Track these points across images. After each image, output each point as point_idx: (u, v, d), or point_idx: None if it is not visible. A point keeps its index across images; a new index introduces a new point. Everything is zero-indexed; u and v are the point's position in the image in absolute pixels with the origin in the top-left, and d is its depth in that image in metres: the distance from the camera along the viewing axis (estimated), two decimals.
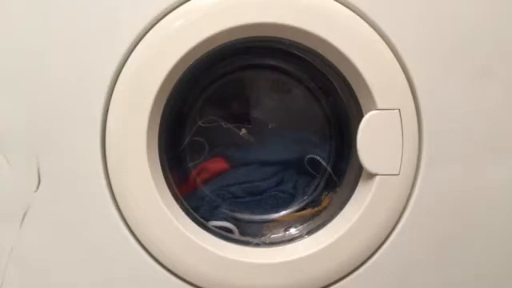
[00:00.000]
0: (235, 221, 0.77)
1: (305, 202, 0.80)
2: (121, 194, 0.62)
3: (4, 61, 0.60)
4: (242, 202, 0.80)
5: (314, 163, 0.80)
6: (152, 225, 0.62)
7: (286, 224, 0.76)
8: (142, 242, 0.62)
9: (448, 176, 0.64)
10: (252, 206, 0.80)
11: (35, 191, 0.62)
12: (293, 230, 0.74)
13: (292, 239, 0.70)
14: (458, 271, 0.66)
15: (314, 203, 0.78)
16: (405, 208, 0.64)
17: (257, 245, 0.69)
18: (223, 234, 0.71)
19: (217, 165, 0.80)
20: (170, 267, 0.63)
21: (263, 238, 0.73)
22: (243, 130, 0.80)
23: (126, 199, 0.62)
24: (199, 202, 0.78)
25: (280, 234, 0.74)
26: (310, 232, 0.69)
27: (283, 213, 0.80)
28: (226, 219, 0.76)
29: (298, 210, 0.79)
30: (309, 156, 0.80)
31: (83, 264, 0.64)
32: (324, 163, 0.79)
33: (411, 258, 0.65)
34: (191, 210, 0.71)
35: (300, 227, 0.74)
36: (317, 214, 0.75)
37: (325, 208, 0.75)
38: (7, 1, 0.59)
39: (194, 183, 0.80)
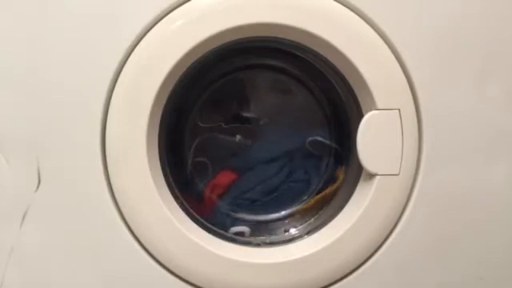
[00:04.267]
0: (258, 224, 0.77)
1: (321, 183, 0.79)
2: (121, 194, 0.62)
3: (4, 61, 0.60)
4: (261, 204, 0.79)
5: (317, 147, 0.79)
6: (152, 225, 0.62)
7: (307, 213, 0.76)
8: (142, 241, 0.62)
9: (448, 176, 0.64)
10: (272, 204, 0.80)
11: (35, 191, 0.62)
12: (293, 230, 0.74)
13: (292, 239, 0.70)
14: (458, 271, 0.66)
15: (330, 181, 0.77)
16: (405, 208, 0.64)
17: (257, 245, 0.69)
18: (223, 234, 0.71)
19: (225, 178, 0.80)
20: (169, 267, 0.63)
21: (263, 238, 0.73)
22: (238, 136, 0.79)
23: (126, 199, 0.62)
24: (222, 216, 0.78)
25: (280, 234, 0.74)
26: (309, 232, 0.69)
27: (304, 201, 0.79)
28: (248, 225, 0.76)
29: (318, 193, 0.78)
30: (310, 139, 0.79)
31: (83, 264, 0.64)
32: (326, 141, 0.79)
33: (411, 258, 0.65)
34: (191, 210, 0.71)
35: (300, 227, 0.74)
36: (335, 194, 0.74)
37: (342, 183, 0.74)
38: (7, 1, 0.59)
39: (210, 202, 0.80)
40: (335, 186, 0.76)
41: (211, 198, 0.79)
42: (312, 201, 0.77)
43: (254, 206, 0.80)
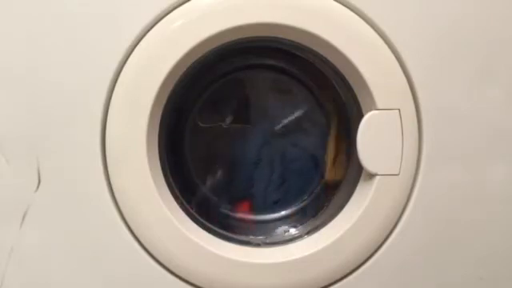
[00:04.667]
0: (295, 216, 0.77)
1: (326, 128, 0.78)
2: (121, 194, 0.62)
3: (4, 61, 0.60)
4: (284, 200, 0.80)
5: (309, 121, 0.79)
6: (152, 225, 0.62)
7: (335, 186, 0.75)
8: (142, 241, 0.62)
9: (448, 176, 0.64)
10: (294, 193, 0.80)
11: (35, 191, 0.62)
12: (293, 230, 0.74)
13: (292, 239, 0.70)
14: (458, 271, 0.66)
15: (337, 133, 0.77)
16: (405, 208, 0.64)
17: (257, 245, 0.69)
18: (223, 234, 0.71)
19: (244, 208, 0.81)
20: (169, 267, 0.63)
21: (263, 238, 0.73)
22: (219, 172, 0.80)
23: (126, 199, 0.62)
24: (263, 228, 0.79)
25: (280, 234, 0.74)
26: (309, 232, 0.69)
27: (325, 173, 0.78)
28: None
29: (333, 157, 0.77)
30: (284, 122, 0.79)
31: (83, 264, 0.64)
32: (296, 115, 0.78)
33: (411, 257, 0.65)
34: (191, 210, 0.71)
35: (300, 227, 0.74)
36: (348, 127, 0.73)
37: (340, 118, 0.73)
38: (7, 2, 0.59)
39: (251, 222, 0.80)
40: (336, 122, 0.74)
41: (250, 222, 0.80)
42: (332, 167, 0.77)
43: (279, 205, 0.79)
